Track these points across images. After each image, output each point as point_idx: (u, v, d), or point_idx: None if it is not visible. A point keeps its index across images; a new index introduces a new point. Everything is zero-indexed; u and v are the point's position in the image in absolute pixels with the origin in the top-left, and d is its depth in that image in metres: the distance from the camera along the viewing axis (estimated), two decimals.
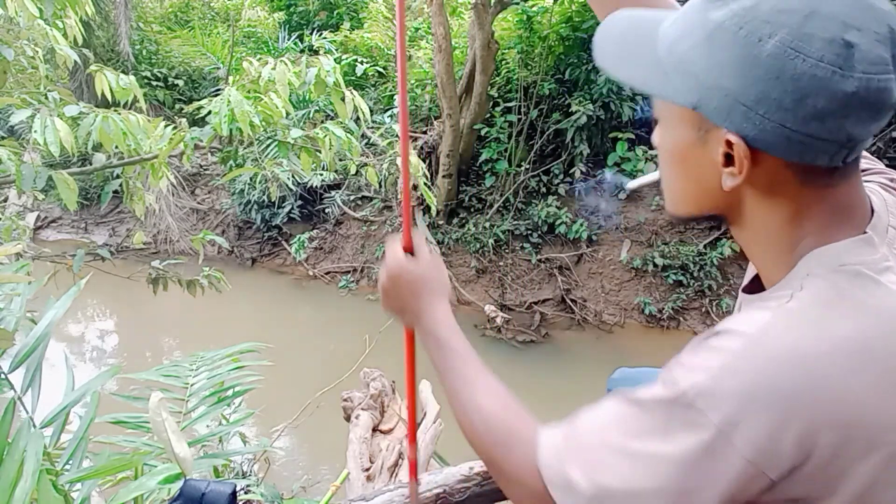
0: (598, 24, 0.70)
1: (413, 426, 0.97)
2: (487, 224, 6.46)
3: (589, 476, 0.55)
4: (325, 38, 8.17)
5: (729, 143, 0.54)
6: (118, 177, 2.26)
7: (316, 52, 7.78)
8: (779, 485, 0.51)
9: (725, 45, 0.53)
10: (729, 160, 0.55)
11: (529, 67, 6.59)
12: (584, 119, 5.92)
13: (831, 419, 0.49)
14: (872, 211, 0.59)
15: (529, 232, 6.42)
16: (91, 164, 2.10)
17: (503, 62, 6.88)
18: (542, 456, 0.60)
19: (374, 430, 2.19)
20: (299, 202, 7.69)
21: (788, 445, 0.49)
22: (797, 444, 0.49)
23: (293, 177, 2.43)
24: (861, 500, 0.52)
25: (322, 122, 2.82)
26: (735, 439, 0.49)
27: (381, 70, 7.89)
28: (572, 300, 6.14)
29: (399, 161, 2.22)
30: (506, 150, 6.56)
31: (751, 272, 0.70)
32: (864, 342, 0.51)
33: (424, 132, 7.04)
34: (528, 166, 6.45)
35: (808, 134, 0.50)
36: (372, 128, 6.54)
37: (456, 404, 0.72)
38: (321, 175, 6.60)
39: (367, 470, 1.94)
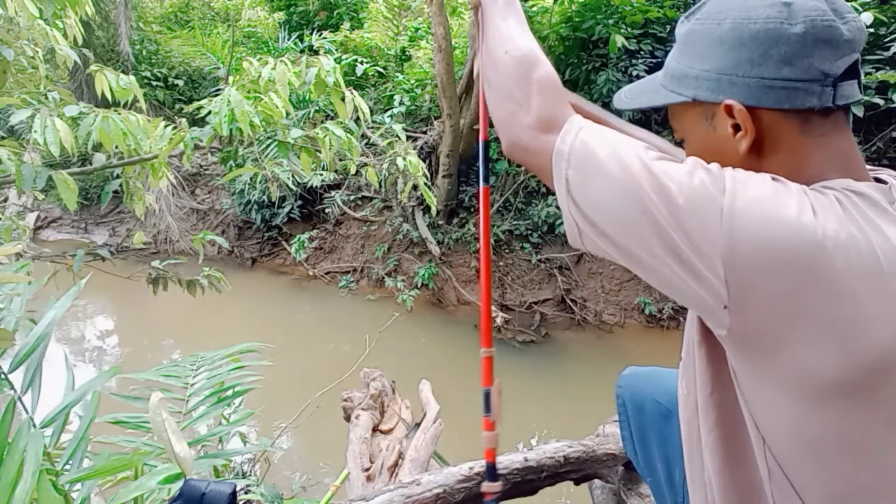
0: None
1: (488, 325, 0.98)
2: None
3: (607, 152, 0.63)
4: (325, 38, 8.18)
5: (730, 111, 0.64)
6: (118, 177, 2.26)
7: (316, 52, 7.78)
8: (732, 315, 0.55)
9: (697, 41, 0.68)
10: (737, 130, 0.65)
11: None
12: None
13: (800, 254, 0.53)
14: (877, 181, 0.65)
15: (529, 232, 6.42)
16: (91, 164, 2.10)
17: None
18: (572, 117, 0.68)
19: (374, 430, 2.19)
20: (299, 202, 7.69)
21: (765, 295, 0.53)
22: (764, 260, 0.53)
23: (293, 177, 2.43)
24: (802, 365, 0.54)
25: (322, 122, 2.83)
26: (725, 203, 0.55)
27: (381, 70, 7.89)
28: (572, 300, 6.14)
29: (399, 161, 2.22)
30: None
31: None
32: (874, 256, 0.54)
33: (424, 132, 7.04)
34: None
35: (784, 78, 0.61)
36: (372, 128, 6.54)
37: (494, 32, 0.79)
38: (321, 175, 6.60)
39: (367, 470, 1.94)
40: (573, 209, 0.64)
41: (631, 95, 0.79)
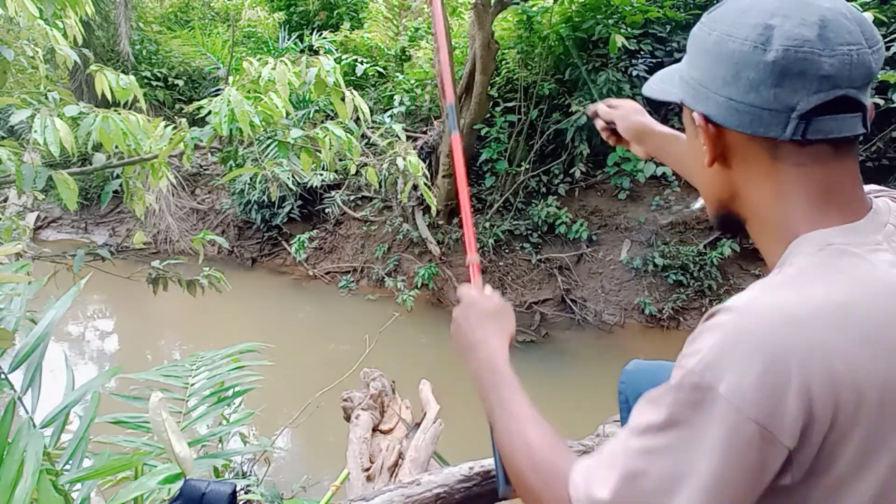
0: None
1: (472, 238, 1.06)
2: (487, 224, 6.46)
3: (614, 488, 0.57)
4: (325, 38, 8.17)
5: (702, 122, 0.64)
6: (118, 177, 2.26)
7: (316, 52, 7.78)
8: (795, 458, 0.53)
9: (693, 46, 0.67)
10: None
11: (529, 67, 6.58)
12: (583, 119, 5.92)
13: (821, 374, 0.52)
14: (871, 209, 0.63)
15: (529, 232, 6.42)
16: (91, 164, 2.10)
17: (503, 62, 6.88)
18: (572, 481, 0.62)
19: (374, 430, 2.19)
20: (299, 202, 7.69)
21: (790, 402, 0.51)
22: (798, 401, 0.51)
23: (293, 177, 2.43)
24: (861, 466, 0.54)
25: (322, 122, 2.82)
26: (744, 407, 0.51)
27: (381, 70, 7.89)
28: (572, 300, 6.14)
29: (399, 161, 2.22)
30: (506, 150, 6.56)
31: None
32: (845, 305, 0.54)
33: (424, 132, 7.04)
34: (528, 166, 6.44)
35: (750, 104, 0.59)
36: (372, 128, 6.54)
37: (503, 433, 0.75)
38: (321, 175, 6.60)
39: (367, 470, 1.94)
40: None
41: (654, 82, 0.76)
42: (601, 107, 1.19)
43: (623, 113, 1.15)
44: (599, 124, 1.21)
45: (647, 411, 0.58)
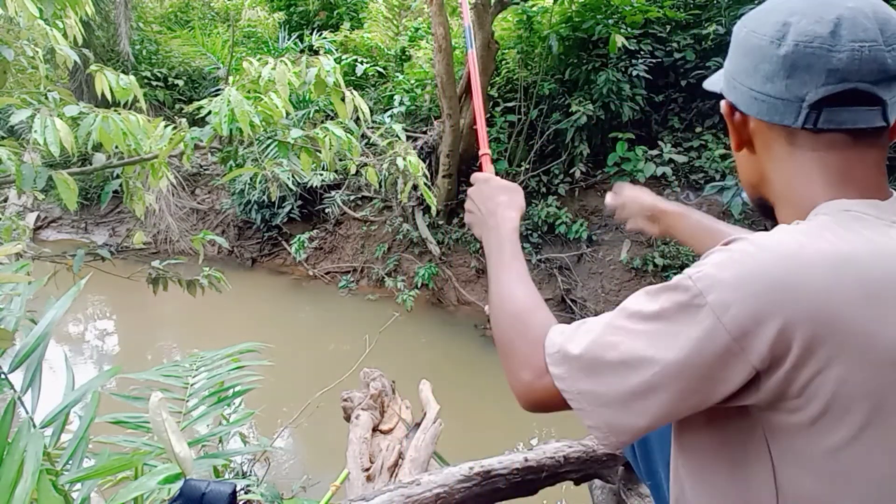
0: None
1: (484, 135, 1.20)
2: None
3: (585, 347, 0.62)
4: (325, 38, 8.18)
5: (731, 111, 0.70)
6: (118, 177, 2.26)
7: (316, 52, 7.78)
8: (763, 381, 0.56)
9: (732, 41, 0.71)
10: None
11: (529, 67, 6.59)
12: (583, 119, 5.92)
13: (810, 314, 0.54)
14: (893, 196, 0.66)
15: (529, 232, 6.42)
16: (91, 164, 2.10)
17: (503, 62, 6.88)
18: (548, 336, 0.67)
19: (374, 430, 2.19)
20: (299, 202, 7.69)
21: (770, 331, 0.55)
22: (778, 333, 0.54)
23: (293, 177, 2.43)
24: (831, 407, 0.55)
25: (322, 122, 2.82)
26: (724, 318, 0.56)
27: (381, 70, 7.89)
28: (572, 300, 6.14)
29: (399, 161, 2.22)
30: (506, 150, 6.56)
31: None
32: (850, 255, 0.57)
33: (424, 132, 7.05)
34: (528, 166, 6.44)
35: (766, 94, 0.65)
36: (372, 128, 6.54)
37: (495, 287, 0.81)
38: (321, 175, 6.61)
39: (367, 470, 1.93)
40: (608, 414, 0.62)
41: (712, 77, 0.81)
42: (609, 198, 1.27)
43: (634, 195, 1.23)
44: (611, 209, 1.28)
45: (640, 301, 0.62)
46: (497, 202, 0.92)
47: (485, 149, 1.13)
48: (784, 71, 0.62)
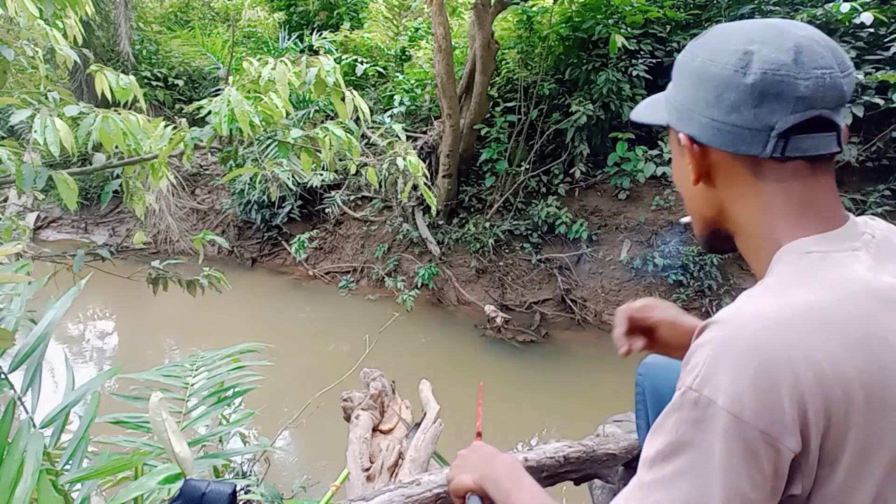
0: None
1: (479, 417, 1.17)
2: (487, 224, 6.46)
3: None
4: (325, 38, 8.17)
5: (687, 143, 0.68)
6: (118, 177, 2.26)
7: (316, 52, 7.78)
8: (802, 464, 0.54)
9: (678, 71, 0.70)
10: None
11: (529, 67, 6.58)
12: (584, 119, 5.92)
13: (809, 374, 0.53)
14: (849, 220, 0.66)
15: (529, 232, 6.42)
16: (91, 164, 2.10)
17: (503, 62, 6.88)
18: None
19: (374, 430, 2.19)
20: (299, 202, 7.69)
21: (786, 405, 0.53)
22: (792, 402, 0.53)
23: (293, 177, 2.43)
24: (860, 470, 0.54)
25: (322, 122, 2.82)
26: (744, 415, 0.53)
27: (381, 70, 7.89)
28: (572, 300, 6.14)
29: (399, 161, 2.22)
30: (506, 150, 6.56)
31: None
32: (824, 305, 0.56)
33: (424, 132, 7.04)
34: (528, 166, 6.44)
35: (732, 124, 0.63)
36: (372, 128, 6.54)
37: None
38: (321, 175, 6.61)
39: (367, 470, 1.93)
40: None
41: (641, 107, 0.80)
42: (621, 313, 1.11)
43: (651, 303, 1.08)
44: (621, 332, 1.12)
45: (655, 440, 0.59)
46: (493, 459, 0.92)
47: (478, 426, 1.12)
48: (752, 100, 0.61)
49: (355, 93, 2.00)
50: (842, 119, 0.63)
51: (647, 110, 0.77)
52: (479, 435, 1.08)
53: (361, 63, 7.70)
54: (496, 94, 6.86)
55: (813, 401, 0.53)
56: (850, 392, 0.53)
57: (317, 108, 6.81)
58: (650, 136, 6.28)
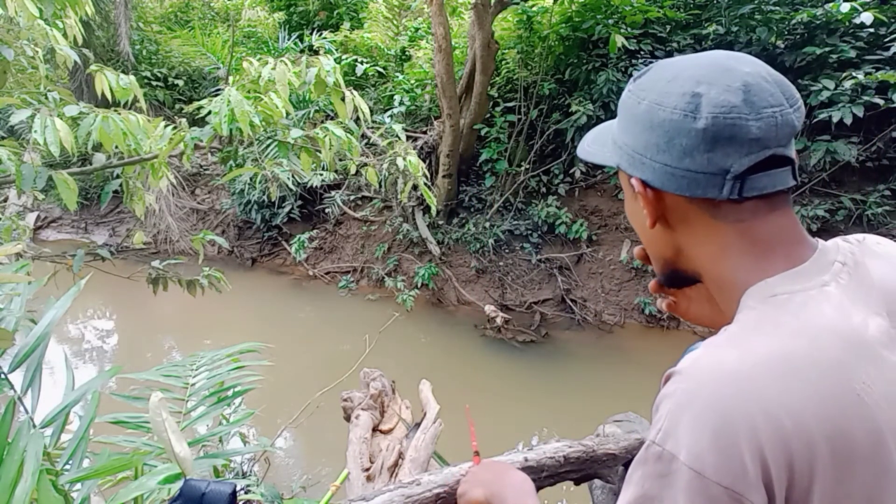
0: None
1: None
2: (487, 224, 6.46)
3: None
4: (325, 38, 8.18)
5: (643, 187, 0.66)
6: (118, 177, 2.26)
7: (316, 52, 7.79)
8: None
9: (624, 113, 0.68)
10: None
11: (529, 67, 6.59)
12: (584, 119, 5.92)
13: (769, 429, 0.52)
14: (818, 249, 0.64)
15: (529, 232, 6.42)
16: (91, 164, 2.10)
17: (503, 62, 6.88)
18: None
19: (374, 430, 2.18)
20: (299, 202, 7.70)
21: (747, 461, 0.51)
22: (753, 458, 0.51)
23: (293, 177, 2.43)
24: None
25: (322, 122, 2.82)
26: (706, 472, 0.52)
27: (381, 70, 7.89)
28: (572, 300, 6.14)
29: (399, 161, 2.22)
30: (506, 150, 6.56)
31: None
32: (787, 356, 0.55)
33: (424, 132, 7.05)
34: (528, 166, 6.45)
35: (686, 169, 0.61)
36: (372, 128, 6.54)
37: None
38: (321, 175, 6.61)
39: (367, 470, 1.93)
40: None
41: (588, 144, 0.77)
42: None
43: None
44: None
45: (625, 493, 0.59)
46: (504, 476, 0.93)
47: (475, 448, 1.14)
48: (705, 144, 0.60)
49: (355, 93, 2.00)
50: (793, 151, 0.62)
51: (595, 148, 0.75)
52: (476, 454, 1.10)
53: (361, 63, 7.71)
54: (496, 94, 6.86)
55: (773, 455, 0.52)
56: (813, 444, 0.52)
57: (317, 108, 6.81)
58: None
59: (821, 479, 0.53)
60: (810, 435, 0.52)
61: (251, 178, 7.02)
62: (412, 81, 7.38)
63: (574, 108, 6.02)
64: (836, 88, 4.91)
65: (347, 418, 2.28)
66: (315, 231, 7.64)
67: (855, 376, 0.55)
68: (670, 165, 0.62)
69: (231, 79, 2.16)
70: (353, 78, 7.51)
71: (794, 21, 5.47)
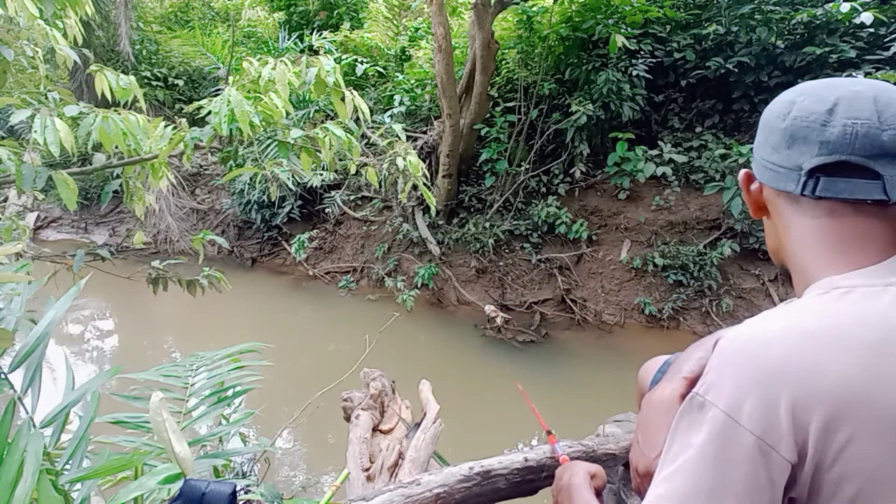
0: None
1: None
2: (487, 224, 6.46)
3: None
4: (325, 38, 8.18)
5: (749, 179, 0.78)
6: (118, 177, 2.26)
7: (316, 52, 7.78)
8: (798, 475, 0.56)
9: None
10: None
11: (529, 67, 6.59)
12: (583, 119, 5.92)
13: (810, 389, 0.56)
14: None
15: (529, 232, 6.42)
16: (91, 164, 2.10)
17: (503, 62, 6.88)
18: None
19: (374, 430, 2.19)
20: (299, 202, 7.70)
21: (783, 415, 0.55)
22: (790, 417, 0.55)
23: (293, 177, 2.43)
24: (864, 484, 0.55)
25: (322, 122, 2.82)
26: (741, 420, 0.56)
27: (381, 70, 7.89)
28: (572, 300, 6.14)
29: (399, 161, 2.22)
30: (506, 150, 6.56)
31: None
32: (834, 329, 0.59)
33: (424, 132, 7.05)
34: (528, 166, 6.45)
35: (773, 163, 0.72)
36: (372, 128, 6.54)
37: None
38: (321, 175, 6.61)
39: (367, 470, 1.93)
40: None
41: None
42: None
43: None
44: None
45: (668, 442, 0.63)
46: (568, 483, 0.98)
47: (545, 427, 1.17)
48: (785, 142, 0.70)
49: (355, 93, 2.00)
50: (886, 169, 0.64)
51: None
52: (549, 433, 1.13)
53: (361, 63, 7.71)
54: (496, 94, 6.86)
55: (810, 415, 0.55)
56: (853, 409, 0.55)
57: (317, 108, 6.81)
58: (650, 136, 6.29)
59: (860, 443, 0.54)
60: (850, 399, 0.55)
61: (251, 178, 7.03)
62: (412, 81, 7.38)
63: (574, 108, 6.02)
64: None
65: (347, 418, 2.28)
66: (315, 231, 7.64)
67: None
68: (765, 159, 0.74)
69: (231, 79, 2.16)
70: (353, 78, 7.51)
71: (794, 21, 5.47)
